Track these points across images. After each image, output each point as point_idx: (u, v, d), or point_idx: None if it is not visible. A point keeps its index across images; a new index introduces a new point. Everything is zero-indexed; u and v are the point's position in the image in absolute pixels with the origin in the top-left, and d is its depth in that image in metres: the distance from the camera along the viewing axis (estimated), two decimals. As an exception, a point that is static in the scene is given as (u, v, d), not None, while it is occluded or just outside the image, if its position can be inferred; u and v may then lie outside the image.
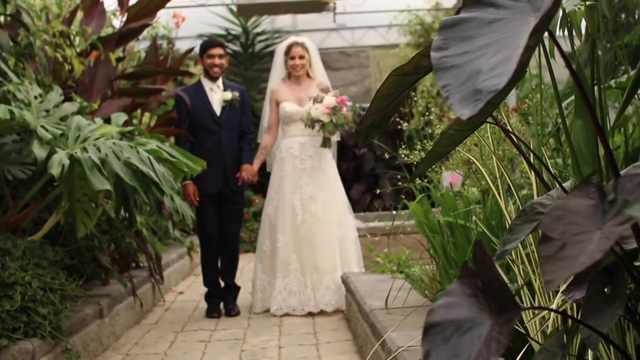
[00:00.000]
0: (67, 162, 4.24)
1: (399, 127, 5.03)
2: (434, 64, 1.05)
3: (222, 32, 13.37)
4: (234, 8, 12.82)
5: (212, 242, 6.85)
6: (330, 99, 6.56)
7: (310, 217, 6.65)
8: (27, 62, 5.63)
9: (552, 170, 2.57)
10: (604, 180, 1.72)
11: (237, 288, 6.98)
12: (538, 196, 2.89)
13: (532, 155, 2.58)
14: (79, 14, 6.57)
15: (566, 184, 1.52)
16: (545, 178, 2.83)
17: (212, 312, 6.70)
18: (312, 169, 6.77)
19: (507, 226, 3.38)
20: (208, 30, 12.58)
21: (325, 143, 6.74)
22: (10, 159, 5.01)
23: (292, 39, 7.08)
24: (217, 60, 6.74)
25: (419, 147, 4.09)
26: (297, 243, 6.66)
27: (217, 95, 6.80)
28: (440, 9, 12.30)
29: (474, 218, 4.19)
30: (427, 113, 4.88)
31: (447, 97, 1.01)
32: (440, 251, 4.32)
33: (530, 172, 2.93)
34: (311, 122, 6.58)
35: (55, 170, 4.19)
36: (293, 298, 6.56)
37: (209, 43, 6.86)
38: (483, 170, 3.19)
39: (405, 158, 4.16)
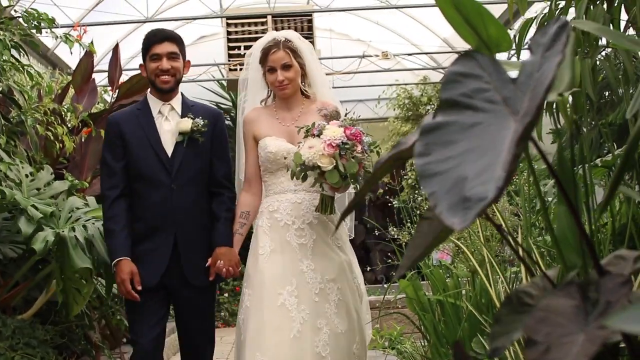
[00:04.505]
0: (51, 238, 4.26)
1: (390, 204, 5.04)
2: (418, 170, 1.06)
3: (213, 106, 13.48)
4: (224, 83, 12.95)
5: None
6: (333, 130, 3.85)
7: (317, 324, 3.88)
8: (19, 139, 5.67)
9: (536, 256, 2.60)
10: (589, 268, 1.74)
11: None
12: (527, 276, 2.91)
13: (520, 238, 2.61)
14: (71, 91, 6.65)
15: (552, 272, 1.54)
16: (534, 257, 2.85)
17: None
18: (317, 245, 4.05)
19: (496, 306, 3.39)
20: (198, 104, 12.67)
21: (325, 205, 4.00)
22: (0, 237, 5.01)
23: (269, 36, 4.33)
24: (165, 64, 4.13)
25: (408, 224, 4.12)
26: None
27: (171, 122, 4.20)
28: (427, 83, 12.47)
29: (463, 292, 4.20)
30: (417, 187, 4.92)
31: (434, 205, 1.01)
32: (431, 329, 4.32)
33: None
34: (302, 170, 3.83)
35: (37, 246, 4.21)
36: None
37: (152, 37, 4.24)
38: (469, 253, 3.21)
39: (396, 236, 4.17)
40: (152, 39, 4.20)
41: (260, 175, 4.25)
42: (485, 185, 0.98)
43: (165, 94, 4.22)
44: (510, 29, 4.25)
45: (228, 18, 11.46)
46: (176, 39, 4.25)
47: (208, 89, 13.11)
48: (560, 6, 3.36)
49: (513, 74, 1.31)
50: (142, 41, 4.30)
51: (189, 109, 4.24)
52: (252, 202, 4.23)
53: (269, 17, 10.98)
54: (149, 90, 4.36)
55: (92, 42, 6.24)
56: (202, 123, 4.12)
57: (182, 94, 4.32)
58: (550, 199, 3.33)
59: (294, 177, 3.90)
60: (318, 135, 3.85)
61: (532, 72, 1.19)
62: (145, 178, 4.11)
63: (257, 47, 4.30)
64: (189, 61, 4.33)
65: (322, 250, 4.05)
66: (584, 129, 3.13)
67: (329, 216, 4.08)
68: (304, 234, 4.05)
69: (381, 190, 11.01)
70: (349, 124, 3.96)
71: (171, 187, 4.09)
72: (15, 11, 5.88)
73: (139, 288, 3.98)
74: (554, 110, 3.27)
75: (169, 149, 4.14)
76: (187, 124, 4.11)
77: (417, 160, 1.08)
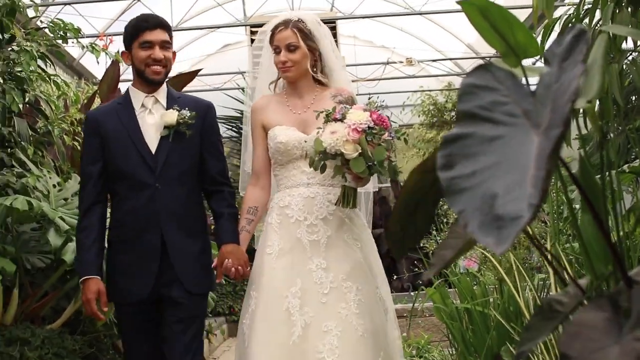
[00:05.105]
0: (81, 248, 4.29)
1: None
2: (444, 186, 1.02)
3: (237, 114, 13.54)
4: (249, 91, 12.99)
5: None
6: (358, 114, 3.41)
7: (323, 327, 3.44)
8: (46, 150, 5.71)
9: (564, 263, 2.58)
10: (617, 276, 1.72)
11: None
12: (556, 285, 2.89)
13: (548, 245, 2.59)
14: (97, 100, 6.69)
15: (584, 280, 1.52)
16: (562, 264, 2.83)
17: None
18: (332, 241, 3.62)
19: (524, 314, 3.37)
20: (223, 112, 12.73)
21: (347, 198, 3.57)
22: (29, 247, 5.04)
23: (284, 15, 3.98)
24: (158, 53, 3.69)
25: (434, 232, 4.10)
26: None
27: (155, 115, 3.75)
28: (452, 89, 12.45)
29: (491, 299, 4.18)
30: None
31: (465, 224, 0.98)
32: (459, 338, 4.29)
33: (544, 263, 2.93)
34: (321, 159, 3.44)
35: (68, 257, 4.24)
36: None
37: (143, 22, 3.74)
38: (496, 263, 3.19)
39: (422, 244, 4.14)
40: (144, 25, 3.72)
41: (269, 167, 3.87)
42: (518, 204, 0.96)
43: (153, 86, 3.76)
44: (534, 34, 4.23)
45: (252, 26, 11.52)
46: (168, 27, 3.81)
47: (233, 97, 13.17)
48: (586, 8, 3.33)
49: (536, 79, 1.30)
50: (125, 29, 3.81)
51: (175, 100, 3.78)
52: (260, 197, 3.84)
53: (293, 25, 11.00)
54: (132, 83, 3.86)
55: (118, 52, 6.27)
56: (188, 114, 3.67)
57: (167, 85, 3.87)
58: (577, 206, 3.31)
59: (312, 167, 3.51)
60: (341, 120, 3.42)
61: (550, 83, 1.17)
62: (126, 178, 3.67)
63: (270, 25, 3.96)
64: (174, 52, 3.85)
65: (338, 248, 3.62)
66: (611, 135, 3.10)
67: (346, 212, 3.67)
68: (316, 230, 3.62)
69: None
70: (373, 107, 3.48)
71: (155, 187, 3.63)
72: (42, 22, 5.92)
73: (105, 309, 3.62)
74: (581, 116, 3.24)
75: (152, 144, 3.68)
76: (172, 116, 3.67)
77: (441, 173, 1.05)
